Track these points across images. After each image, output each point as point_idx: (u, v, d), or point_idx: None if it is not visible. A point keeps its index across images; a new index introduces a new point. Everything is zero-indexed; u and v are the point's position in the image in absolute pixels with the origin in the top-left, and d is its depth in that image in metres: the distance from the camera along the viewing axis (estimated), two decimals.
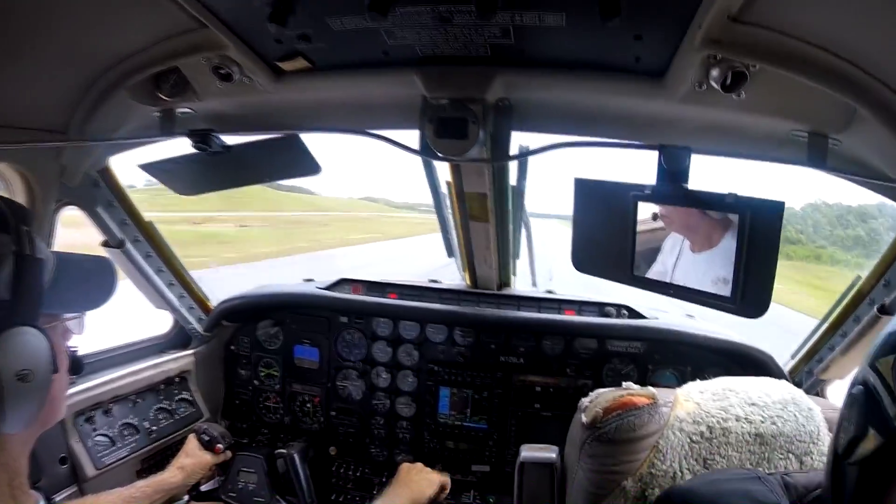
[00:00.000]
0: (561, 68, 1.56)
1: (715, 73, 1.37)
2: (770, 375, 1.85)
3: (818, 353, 2.31)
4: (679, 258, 1.57)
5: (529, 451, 1.88)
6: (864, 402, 0.85)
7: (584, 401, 1.63)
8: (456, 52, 1.52)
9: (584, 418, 1.56)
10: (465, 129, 1.60)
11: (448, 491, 2.61)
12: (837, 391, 2.37)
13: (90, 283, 1.69)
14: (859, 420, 0.85)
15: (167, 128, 1.91)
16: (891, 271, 1.88)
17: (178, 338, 3.07)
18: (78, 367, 1.78)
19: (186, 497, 2.56)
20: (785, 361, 2.56)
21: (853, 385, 0.91)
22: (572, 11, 1.30)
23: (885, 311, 1.88)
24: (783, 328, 3.50)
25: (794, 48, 1.26)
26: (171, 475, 2.37)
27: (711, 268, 1.50)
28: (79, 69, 1.68)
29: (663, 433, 1.50)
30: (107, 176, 2.27)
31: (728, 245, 1.46)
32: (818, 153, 1.54)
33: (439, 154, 1.68)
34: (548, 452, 1.86)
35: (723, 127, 1.71)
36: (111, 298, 1.71)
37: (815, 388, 2.36)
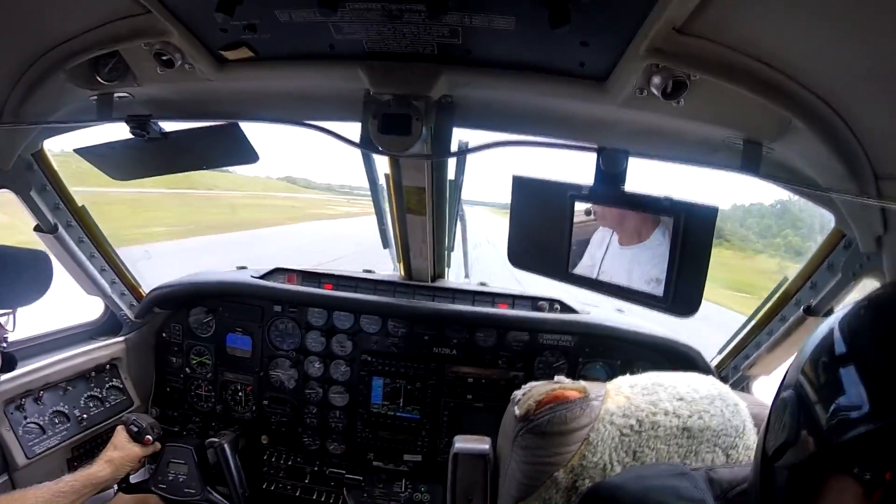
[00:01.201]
0: (506, 69, 1.57)
1: (656, 80, 1.40)
2: (697, 370, 1.92)
3: (744, 350, 2.41)
4: (607, 251, 1.60)
5: (463, 443, 1.90)
6: (796, 409, 0.88)
7: (518, 393, 1.65)
8: (403, 49, 1.51)
9: (517, 411, 1.58)
10: (409, 126, 1.60)
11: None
12: (762, 387, 2.47)
13: (23, 277, 1.61)
14: (791, 425, 0.88)
15: (105, 112, 1.84)
16: (817, 273, 1.96)
17: (109, 324, 3.00)
18: (10, 363, 1.71)
19: (115, 488, 2.52)
20: (711, 357, 2.67)
21: (784, 388, 0.95)
22: (522, 16, 1.31)
23: (811, 311, 1.98)
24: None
25: (734, 60, 1.30)
26: (100, 469, 2.31)
27: (640, 264, 1.54)
28: (17, 50, 1.62)
29: (594, 426, 1.54)
30: (41, 159, 2.20)
31: (656, 240, 1.50)
32: (752, 160, 1.59)
33: (381, 148, 1.66)
34: (481, 444, 1.88)
35: (661, 132, 1.74)
36: (44, 294, 1.64)
37: (741, 384, 2.45)
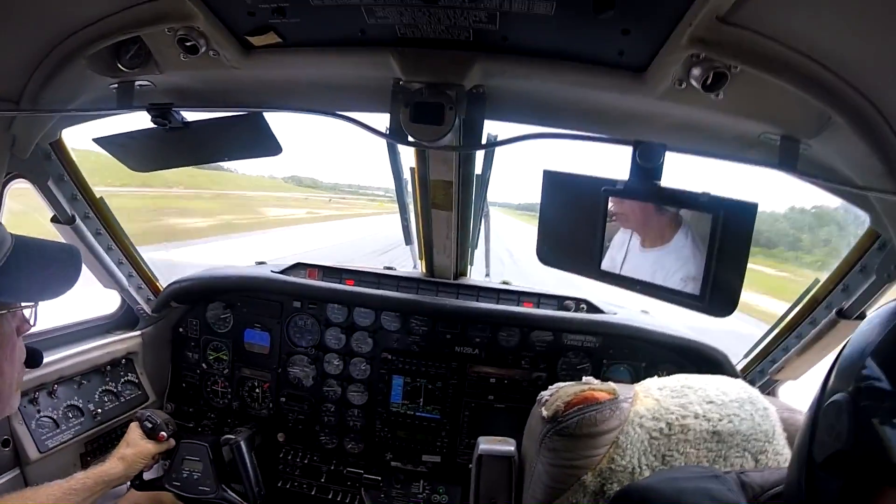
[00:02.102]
0: (541, 58, 1.54)
1: (696, 71, 1.35)
2: (723, 373, 1.88)
3: (771, 354, 2.36)
4: (627, 254, 1.56)
5: (488, 444, 1.87)
6: (852, 415, 0.83)
7: (545, 394, 1.63)
8: (437, 34, 1.47)
9: (544, 412, 1.55)
10: (442, 115, 1.56)
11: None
12: (789, 391, 2.43)
13: (51, 270, 1.59)
14: (847, 432, 0.83)
15: (125, 100, 1.81)
16: (850, 276, 1.92)
17: (126, 318, 2.98)
18: (36, 360, 1.69)
19: (128, 486, 2.50)
20: (737, 360, 2.62)
21: (833, 390, 0.89)
22: (564, 1, 1.28)
23: (843, 314, 1.93)
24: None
25: (777, 52, 1.26)
26: (112, 466, 2.28)
27: (662, 266, 1.50)
28: (37, 35, 1.58)
29: (623, 429, 1.51)
30: (59, 149, 2.18)
31: (679, 242, 1.45)
32: (789, 157, 1.55)
33: (411, 139, 1.63)
34: (506, 445, 1.86)
35: (697, 126, 1.71)
36: (70, 290, 1.61)
37: (768, 388, 2.42)
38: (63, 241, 2.34)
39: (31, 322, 1.62)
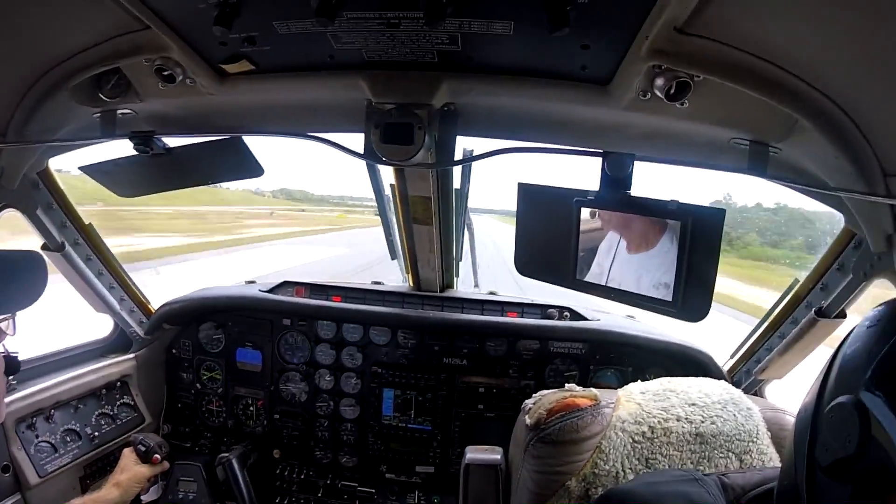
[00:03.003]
0: (507, 75, 1.57)
1: (659, 82, 1.38)
2: (709, 375, 1.89)
3: (756, 354, 2.38)
4: (615, 259, 1.59)
5: (474, 453, 1.89)
6: (859, 419, 0.82)
7: (528, 402, 1.65)
8: (403, 57, 1.51)
9: (527, 420, 1.58)
10: (411, 135, 1.59)
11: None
12: (775, 391, 2.44)
13: (19, 279, 1.61)
14: (857, 440, 0.81)
15: (108, 129, 1.85)
16: (828, 275, 1.94)
17: (119, 341, 2.99)
18: (14, 367, 1.71)
19: None
20: (723, 361, 2.64)
21: (836, 391, 0.88)
22: (520, 21, 1.30)
23: (822, 313, 1.95)
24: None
25: (738, 59, 1.28)
26: (108, 493, 2.31)
27: (648, 270, 1.52)
28: (20, 69, 1.62)
29: (606, 434, 1.53)
30: (46, 178, 2.21)
31: (665, 246, 1.48)
32: (759, 161, 1.58)
33: (384, 158, 1.66)
34: (492, 454, 1.87)
35: (665, 134, 1.73)
36: (40, 296, 1.64)
37: (754, 388, 2.42)
38: (53, 266, 2.36)
39: (12, 332, 1.63)
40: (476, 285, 3.44)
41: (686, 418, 1.54)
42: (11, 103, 1.70)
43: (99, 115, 1.85)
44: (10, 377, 1.78)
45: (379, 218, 2.84)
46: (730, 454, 1.54)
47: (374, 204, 2.75)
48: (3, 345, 1.69)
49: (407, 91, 1.60)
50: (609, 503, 1.25)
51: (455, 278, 3.10)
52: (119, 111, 1.86)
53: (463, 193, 2.46)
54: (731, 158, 1.72)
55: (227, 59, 1.56)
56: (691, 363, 2.63)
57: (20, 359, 2.14)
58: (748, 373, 2.43)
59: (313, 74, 1.63)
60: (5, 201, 2.04)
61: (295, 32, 1.41)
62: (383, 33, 1.39)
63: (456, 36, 1.39)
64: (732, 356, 2.58)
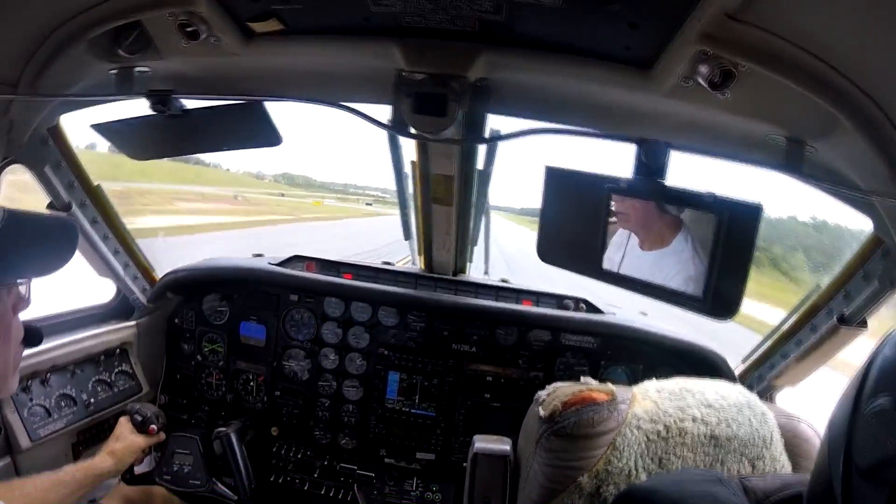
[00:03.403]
0: (547, 51, 1.52)
1: (704, 69, 1.33)
2: (721, 378, 1.86)
3: (770, 360, 2.35)
4: (625, 255, 1.55)
5: (483, 443, 1.85)
6: None
7: (542, 394, 1.61)
8: (442, 24, 1.45)
9: (541, 412, 1.54)
10: (445, 107, 1.54)
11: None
12: (786, 398, 2.42)
13: (46, 245, 1.56)
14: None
15: (124, 86, 1.79)
16: (852, 282, 1.90)
17: (121, 308, 2.95)
18: (36, 339, 1.66)
19: (119, 479, 2.49)
20: (735, 365, 2.61)
21: (873, 393, 0.85)
22: None
23: (844, 321, 1.91)
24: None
25: (786, 52, 1.24)
26: (102, 460, 2.28)
27: (661, 268, 1.48)
28: (37, 18, 1.55)
29: (620, 430, 1.49)
30: (56, 135, 2.15)
31: (679, 246, 1.44)
32: (795, 159, 1.54)
33: (413, 130, 1.61)
34: (502, 444, 1.84)
35: (702, 125, 1.69)
36: (65, 265, 1.59)
37: (766, 394, 2.39)
38: None
39: (28, 299, 1.59)
40: (486, 273, 3.42)
41: (702, 419, 1.50)
42: (25, 53, 1.63)
43: (115, 71, 1.78)
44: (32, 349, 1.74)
45: (366, 208, 2.80)
46: (743, 459, 1.50)
47: (373, 194, 2.70)
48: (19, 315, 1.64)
49: (442, 61, 1.55)
50: (632, 500, 1.22)
51: (468, 263, 3.06)
52: (136, 69, 1.80)
53: (486, 175, 2.41)
54: (766, 154, 1.68)
55: (255, 16, 1.50)
56: (704, 364, 2.60)
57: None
58: (761, 378, 2.40)
59: (345, 39, 1.57)
60: (13, 156, 1.98)
61: None
62: None
63: (501, 4, 1.33)
64: (745, 361, 2.55)
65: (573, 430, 1.47)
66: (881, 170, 1.36)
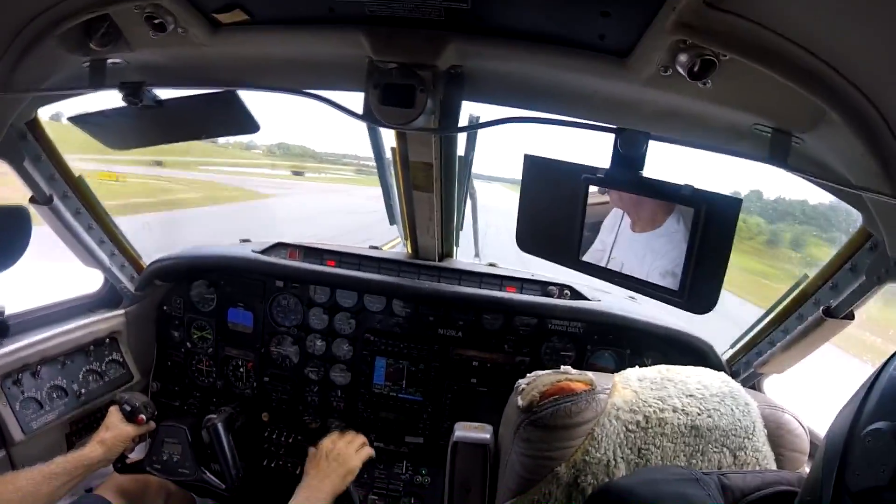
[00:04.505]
0: (520, 39, 1.48)
1: (683, 58, 1.28)
2: (708, 364, 1.85)
3: (757, 346, 2.34)
4: (618, 237, 1.53)
5: (463, 431, 1.86)
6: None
7: (521, 382, 1.61)
8: (407, 13, 1.42)
9: (520, 401, 1.54)
10: (413, 97, 1.51)
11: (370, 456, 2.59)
12: (773, 385, 2.42)
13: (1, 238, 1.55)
14: (889, 470, 0.79)
15: (98, 79, 1.77)
16: (839, 274, 1.88)
17: (109, 297, 2.95)
18: (3, 329, 1.65)
19: (112, 468, 2.49)
20: (723, 350, 2.61)
21: (872, 415, 0.86)
22: None
23: (830, 313, 1.90)
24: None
25: (769, 41, 1.19)
26: (92, 450, 2.28)
27: (652, 250, 1.46)
28: (6, 14, 1.53)
29: (599, 420, 1.50)
30: (35, 128, 2.14)
31: (671, 227, 1.41)
32: (780, 150, 1.50)
33: (381, 121, 1.59)
34: (482, 433, 1.85)
35: (683, 114, 1.66)
36: (20, 258, 1.57)
37: (752, 381, 2.40)
38: (40, 219, 2.31)
39: None
40: (476, 255, 3.41)
41: (682, 409, 1.51)
42: None
43: (88, 64, 1.76)
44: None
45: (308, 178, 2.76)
46: (724, 449, 1.52)
47: (347, 163, 2.66)
48: None
49: (411, 50, 1.51)
50: (607, 499, 1.23)
51: (455, 248, 3.05)
52: (110, 61, 1.77)
53: (467, 161, 2.39)
54: (751, 145, 1.65)
55: (220, 7, 1.47)
56: (690, 351, 2.60)
57: (7, 313, 2.09)
58: (747, 364, 2.40)
59: (311, 28, 1.54)
60: None
61: None
62: None
63: None
64: (732, 346, 2.55)
65: (550, 420, 1.48)
66: (870, 165, 1.33)
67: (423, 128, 1.69)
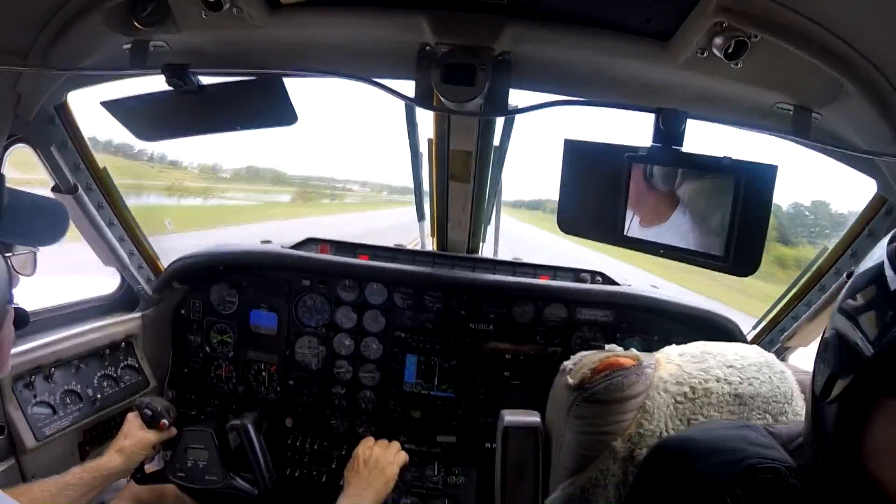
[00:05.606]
0: (571, 24, 1.53)
1: (718, 40, 1.37)
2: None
3: (780, 323, 2.40)
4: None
5: (513, 416, 1.86)
6: (838, 342, 0.90)
7: (568, 363, 1.64)
8: None
9: (570, 380, 1.56)
10: (474, 76, 1.53)
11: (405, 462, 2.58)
12: (799, 359, 2.47)
13: (43, 219, 1.57)
14: (834, 359, 0.90)
15: (139, 61, 1.72)
16: (858, 241, 1.97)
17: (125, 299, 2.87)
18: (23, 320, 1.63)
19: (128, 479, 2.38)
20: (746, 331, 2.66)
21: (825, 331, 0.97)
22: None
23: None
24: None
25: (796, 22, 1.30)
26: (110, 459, 2.18)
27: (692, 223, 1.54)
28: None
29: (649, 394, 1.53)
30: (64, 113, 2.09)
31: (678, 220, 1.51)
32: (802, 125, 1.60)
33: (443, 101, 1.59)
34: (531, 416, 1.85)
35: (713, 95, 1.73)
36: (62, 237, 1.59)
37: (779, 356, 2.43)
38: None
39: (32, 270, 1.58)
40: (496, 253, 3.40)
41: (725, 379, 1.55)
42: (37, 24, 1.57)
43: (130, 45, 1.73)
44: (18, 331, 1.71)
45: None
46: (766, 415, 1.55)
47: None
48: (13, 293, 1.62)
49: (469, 33, 1.54)
50: (667, 449, 1.27)
51: (481, 243, 3.05)
52: (152, 43, 1.74)
53: (502, 151, 2.40)
54: (775, 122, 1.73)
55: None
56: (717, 331, 2.63)
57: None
58: (773, 342, 2.46)
59: (373, 10, 1.56)
60: (19, 133, 1.93)
61: None
62: None
63: None
64: (755, 327, 2.62)
65: (604, 395, 1.51)
66: (884, 131, 1.44)
67: (472, 111, 1.72)
